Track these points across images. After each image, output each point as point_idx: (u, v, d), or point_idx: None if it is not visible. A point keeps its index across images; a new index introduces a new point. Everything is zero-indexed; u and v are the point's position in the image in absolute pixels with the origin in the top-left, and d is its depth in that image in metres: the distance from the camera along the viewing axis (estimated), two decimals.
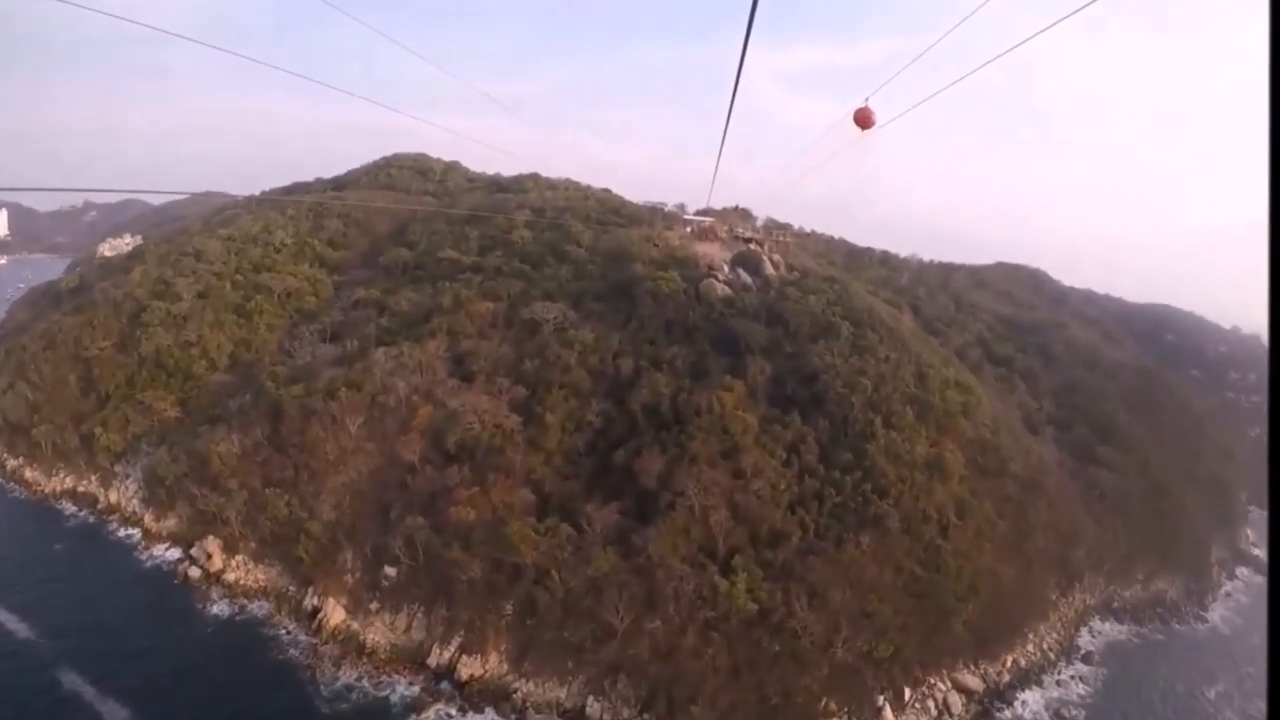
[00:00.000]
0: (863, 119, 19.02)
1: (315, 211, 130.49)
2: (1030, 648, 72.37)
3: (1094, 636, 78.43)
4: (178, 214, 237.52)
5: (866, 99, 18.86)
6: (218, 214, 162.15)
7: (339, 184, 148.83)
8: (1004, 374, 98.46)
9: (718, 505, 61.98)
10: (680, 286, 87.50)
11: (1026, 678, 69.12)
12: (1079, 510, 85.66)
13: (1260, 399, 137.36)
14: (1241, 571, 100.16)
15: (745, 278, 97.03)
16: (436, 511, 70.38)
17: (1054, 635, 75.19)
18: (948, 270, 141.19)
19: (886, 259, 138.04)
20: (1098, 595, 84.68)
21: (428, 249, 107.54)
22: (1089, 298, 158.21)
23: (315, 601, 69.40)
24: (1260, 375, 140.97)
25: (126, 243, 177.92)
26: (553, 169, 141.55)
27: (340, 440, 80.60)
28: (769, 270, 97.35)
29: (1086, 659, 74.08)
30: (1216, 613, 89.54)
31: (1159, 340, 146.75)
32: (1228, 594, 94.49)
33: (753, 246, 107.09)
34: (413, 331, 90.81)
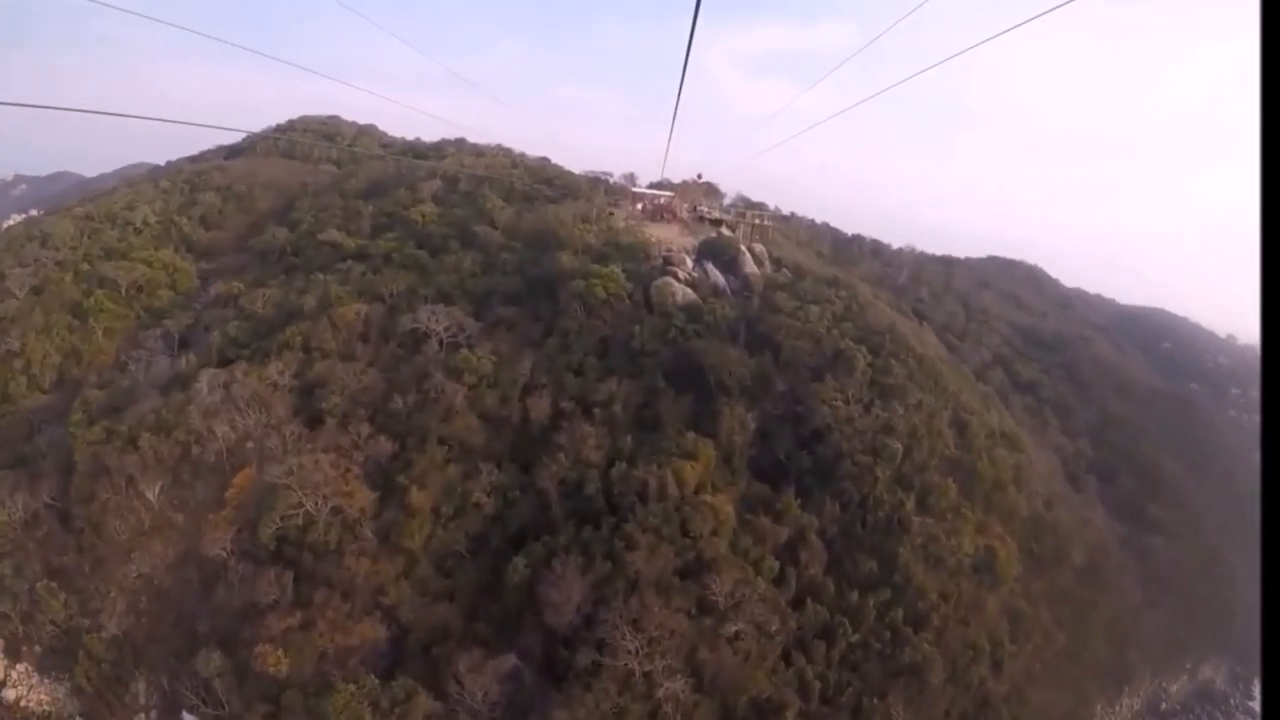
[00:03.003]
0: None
1: (191, 184, 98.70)
2: None
3: None
4: (108, 188, 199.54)
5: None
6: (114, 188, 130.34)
7: (235, 151, 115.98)
8: (1032, 404, 72.91)
9: (672, 667, 35.02)
10: (624, 287, 58.38)
11: None
12: (1135, 592, 61.88)
13: None
14: None
15: (716, 276, 67.90)
16: (246, 641, 42.61)
17: None
18: (947, 266, 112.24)
19: (878, 250, 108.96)
20: (1144, 695, 62.44)
21: (311, 229, 77.20)
22: (1083, 299, 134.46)
23: None
24: None
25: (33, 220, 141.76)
26: (489, 137, 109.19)
27: (138, 512, 52.18)
28: (749, 267, 68.63)
29: None
30: None
31: (1156, 349, 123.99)
32: None
33: (724, 230, 77.89)
34: (264, 343, 61.41)
